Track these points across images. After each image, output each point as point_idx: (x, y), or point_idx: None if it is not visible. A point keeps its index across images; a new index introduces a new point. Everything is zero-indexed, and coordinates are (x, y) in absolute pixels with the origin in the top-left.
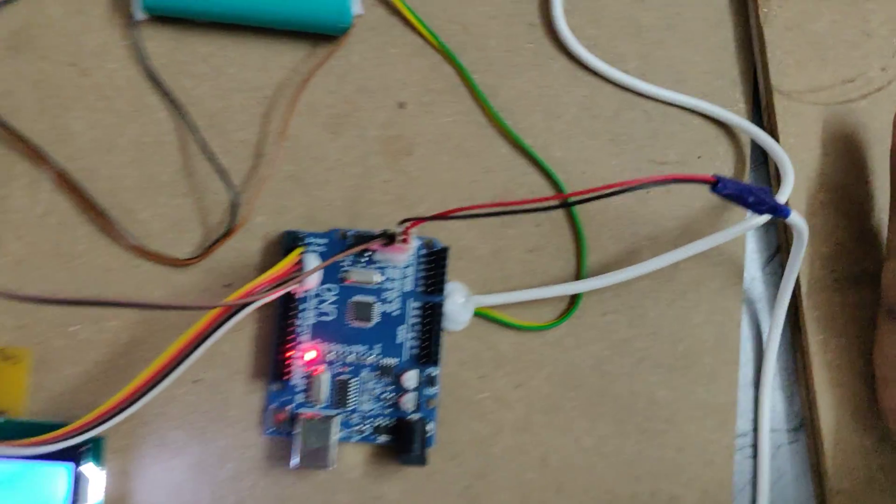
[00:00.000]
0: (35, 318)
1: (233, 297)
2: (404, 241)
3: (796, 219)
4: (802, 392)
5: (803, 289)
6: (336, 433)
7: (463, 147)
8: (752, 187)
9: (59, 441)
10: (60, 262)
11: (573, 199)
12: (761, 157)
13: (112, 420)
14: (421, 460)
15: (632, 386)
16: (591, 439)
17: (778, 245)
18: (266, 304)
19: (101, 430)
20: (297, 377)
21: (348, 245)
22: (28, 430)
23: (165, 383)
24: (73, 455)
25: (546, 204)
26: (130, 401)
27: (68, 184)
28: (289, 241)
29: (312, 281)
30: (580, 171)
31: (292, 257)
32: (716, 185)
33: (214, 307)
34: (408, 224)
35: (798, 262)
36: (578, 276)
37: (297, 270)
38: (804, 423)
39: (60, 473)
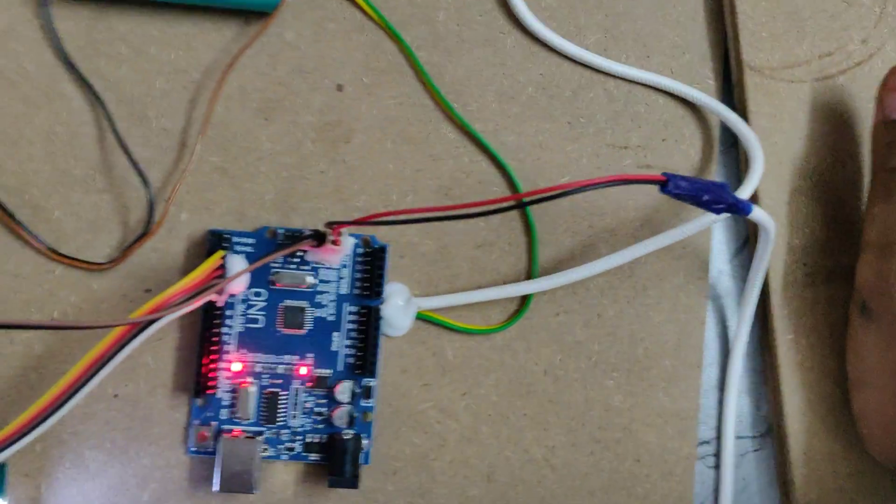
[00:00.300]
0: None
1: (140, 313)
2: (335, 242)
3: (760, 215)
4: (770, 395)
5: (773, 284)
6: (260, 455)
7: (407, 133)
8: (708, 184)
9: None
10: None
11: (513, 203)
12: (731, 140)
13: (15, 445)
14: (352, 483)
15: (586, 392)
16: (540, 450)
17: (748, 235)
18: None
19: (2, 457)
20: (222, 391)
21: (278, 245)
22: None
23: (75, 400)
24: None
25: (489, 208)
26: (36, 422)
27: None
28: (213, 242)
29: (239, 285)
30: (534, 157)
31: (212, 262)
32: (665, 185)
33: (117, 325)
34: (334, 228)
35: (765, 260)
36: (530, 273)
37: (219, 276)
38: (771, 429)
39: None
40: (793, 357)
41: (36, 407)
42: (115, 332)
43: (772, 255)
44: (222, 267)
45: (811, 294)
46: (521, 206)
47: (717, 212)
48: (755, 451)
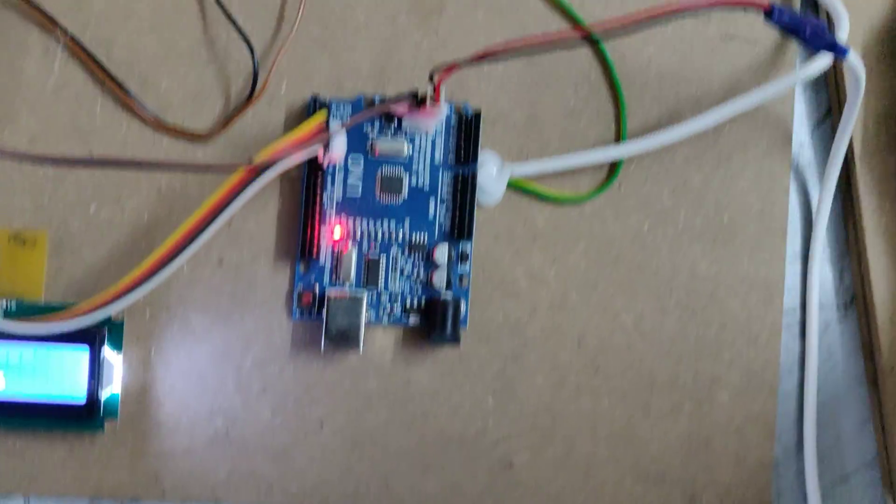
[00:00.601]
0: (52, 197)
1: (256, 160)
2: (435, 99)
3: (854, 60)
4: (854, 264)
5: (856, 151)
6: (364, 313)
7: (496, 4)
8: (810, 19)
9: (75, 318)
10: (76, 137)
11: (598, 33)
12: (812, 11)
13: (130, 296)
14: (454, 339)
15: (672, 259)
16: (629, 317)
17: (829, 107)
18: (291, 179)
19: (119, 307)
20: (323, 256)
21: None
22: (44, 313)
23: (186, 255)
24: (91, 339)
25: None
26: (149, 276)
27: (83, 53)
28: (314, 108)
29: (338, 152)
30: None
31: (316, 119)
32: (770, 13)
33: (238, 168)
34: (438, 77)
35: (854, 113)
36: (619, 140)
37: (322, 134)
38: (855, 297)
39: (79, 357)
40: (877, 222)
41: (149, 261)
42: (226, 186)
43: (855, 122)
44: (325, 125)
45: (895, 160)
46: (593, 42)
47: (817, 48)
48: (840, 320)
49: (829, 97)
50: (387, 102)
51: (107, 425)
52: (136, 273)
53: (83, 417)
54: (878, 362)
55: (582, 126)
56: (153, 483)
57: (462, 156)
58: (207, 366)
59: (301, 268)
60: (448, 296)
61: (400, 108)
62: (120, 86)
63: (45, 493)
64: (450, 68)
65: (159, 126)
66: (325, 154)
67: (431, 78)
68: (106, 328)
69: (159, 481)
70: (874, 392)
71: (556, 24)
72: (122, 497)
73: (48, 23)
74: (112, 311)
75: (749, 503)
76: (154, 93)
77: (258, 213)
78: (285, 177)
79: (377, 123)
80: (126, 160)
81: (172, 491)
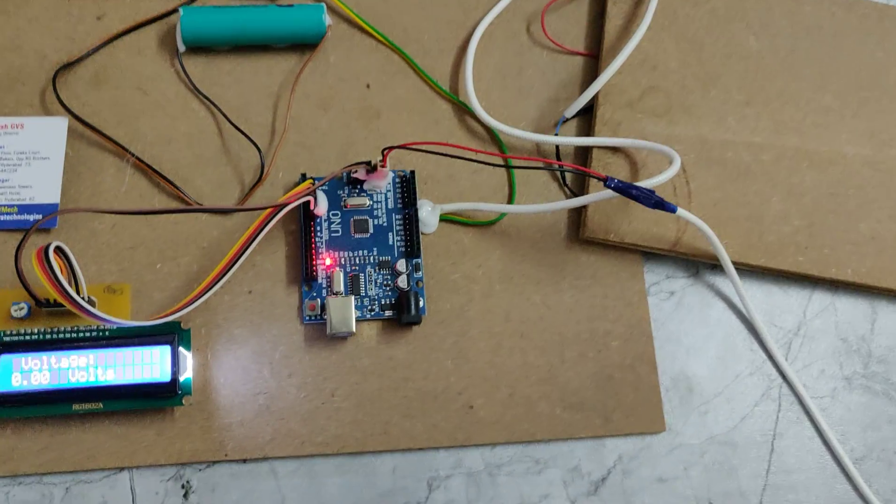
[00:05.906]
0: (130, 261)
1: (276, 201)
2: (383, 164)
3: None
4: None
5: None
6: (354, 306)
7: (415, 108)
8: (637, 185)
9: (157, 320)
10: (143, 221)
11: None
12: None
13: (194, 304)
14: (418, 319)
15: (563, 257)
16: (538, 296)
17: None
18: (292, 232)
19: (183, 314)
20: (320, 278)
21: (344, 182)
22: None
23: (228, 275)
24: (170, 340)
25: (488, 159)
26: (205, 290)
27: (143, 167)
28: (302, 180)
29: (322, 207)
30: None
31: (306, 183)
32: (606, 180)
33: (265, 208)
34: (386, 153)
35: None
36: (510, 190)
37: (310, 192)
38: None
39: (163, 352)
40: None
41: (211, 276)
42: (249, 230)
43: None
44: (312, 187)
45: None
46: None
47: (648, 206)
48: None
49: None
50: (349, 166)
51: (185, 400)
52: (199, 288)
53: (168, 393)
54: None
55: (484, 178)
56: (219, 448)
57: (406, 202)
58: (248, 362)
59: (305, 287)
60: (410, 291)
61: (360, 174)
62: (172, 184)
63: (142, 464)
64: (390, 150)
65: (199, 208)
66: (315, 205)
67: (382, 153)
68: (178, 334)
69: (223, 446)
70: None
71: (459, 116)
72: (198, 461)
73: (118, 150)
74: (178, 316)
75: (647, 418)
76: (192, 187)
77: (272, 256)
78: (287, 230)
79: (347, 189)
80: (197, 208)
81: (233, 453)
